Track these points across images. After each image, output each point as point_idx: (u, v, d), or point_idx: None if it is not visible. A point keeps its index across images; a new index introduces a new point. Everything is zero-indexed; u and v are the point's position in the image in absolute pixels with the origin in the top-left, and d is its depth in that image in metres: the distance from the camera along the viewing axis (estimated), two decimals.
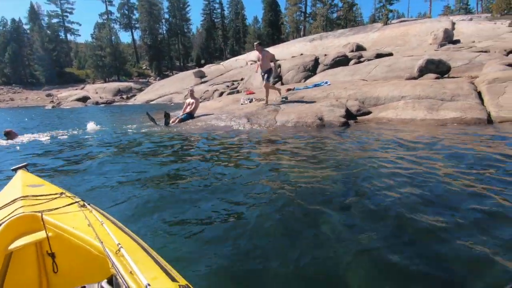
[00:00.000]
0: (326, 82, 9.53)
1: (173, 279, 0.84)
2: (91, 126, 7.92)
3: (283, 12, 50.59)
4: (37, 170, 3.74)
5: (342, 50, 20.65)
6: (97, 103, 28.66)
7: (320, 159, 3.62)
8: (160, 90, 27.15)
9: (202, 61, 50.39)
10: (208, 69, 29.01)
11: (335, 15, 43.90)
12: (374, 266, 1.58)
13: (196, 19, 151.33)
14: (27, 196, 1.36)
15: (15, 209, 1.20)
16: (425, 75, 8.94)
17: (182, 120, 7.79)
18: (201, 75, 26.52)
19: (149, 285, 0.72)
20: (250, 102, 8.71)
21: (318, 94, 8.03)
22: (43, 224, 1.12)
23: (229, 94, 16.16)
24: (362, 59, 16.57)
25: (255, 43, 7.65)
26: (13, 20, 52.14)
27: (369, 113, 6.81)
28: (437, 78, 8.40)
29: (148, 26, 50.72)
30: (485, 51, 12.58)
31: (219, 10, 58.31)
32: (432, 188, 2.51)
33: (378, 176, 2.87)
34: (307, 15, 45.57)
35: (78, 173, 3.54)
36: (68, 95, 32.99)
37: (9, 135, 6.20)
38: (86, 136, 6.63)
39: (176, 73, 38.27)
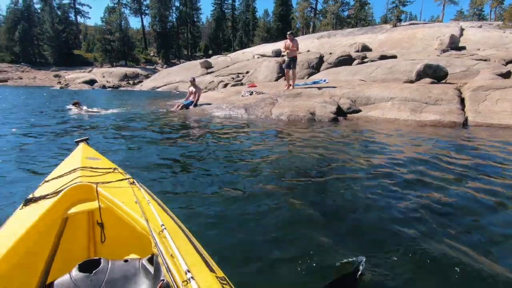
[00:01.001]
0: (324, 80, 10.05)
1: (211, 270, 0.85)
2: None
3: (294, 7, 50.59)
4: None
5: (348, 49, 21.05)
6: (104, 86, 29.27)
7: (303, 147, 4.21)
8: (167, 78, 27.70)
9: (210, 52, 50.74)
10: (215, 60, 29.46)
11: (346, 13, 43.95)
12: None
13: (206, 8, 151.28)
14: (85, 167, 1.45)
15: (74, 178, 1.28)
16: (422, 80, 9.42)
17: (184, 106, 8.40)
18: (208, 66, 26.99)
19: (188, 271, 0.74)
20: (250, 94, 9.27)
21: (314, 91, 8.57)
22: (97, 195, 1.20)
23: (233, 86, 16.70)
24: (365, 60, 16.99)
25: (288, 33, 8.78)
26: None
27: (358, 111, 7.35)
28: (432, 83, 8.88)
29: (158, 13, 50.99)
30: (485, 60, 12.96)
31: (230, 1, 58.43)
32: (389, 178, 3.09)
33: (347, 169, 3.46)
34: (317, 11, 45.57)
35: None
36: (75, 77, 33.64)
37: (77, 104, 7.99)
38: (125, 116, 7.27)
39: (183, 62, 38.75)
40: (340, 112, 7.12)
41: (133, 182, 1.40)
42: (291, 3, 52.18)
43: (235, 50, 42.73)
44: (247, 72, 23.18)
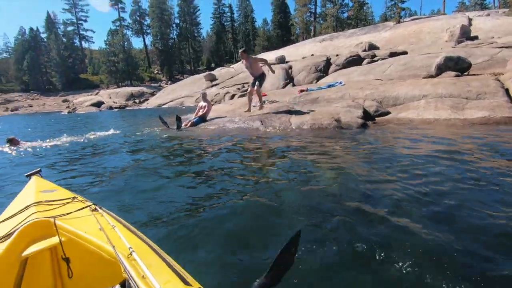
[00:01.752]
0: (340, 82, 9.26)
1: (186, 283, 0.81)
2: (100, 131, 7.94)
3: (293, 14, 50.34)
4: (50, 175, 3.66)
5: (354, 50, 20.28)
6: (111, 107, 29.12)
7: (340, 162, 3.39)
8: (172, 94, 27.36)
9: (212, 65, 50.69)
10: (218, 72, 29.05)
11: (345, 14, 43.32)
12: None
13: (206, 23, 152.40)
14: (40, 201, 1.36)
15: (29, 215, 1.20)
16: (444, 73, 8.56)
17: (194, 123, 7.68)
18: (212, 78, 26.56)
19: None
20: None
21: (332, 95, 7.78)
22: (55, 229, 1.12)
23: (240, 96, 16.05)
24: (375, 58, 16.17)
25: (240, 51, 7.20)
26: (31, 29, 54.01)
27: (387, 113, 6.52)
28: (457, 76, 8.01)
29: (159, 31, 51.45)
30: (508, 47, 11.98)
31: (228, 14, 58.66)
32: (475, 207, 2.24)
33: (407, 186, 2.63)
34: (317, 15, 45.14)
35: (88, 177, 3.44)
36: (83, 101, 33.70)
37: (11, 142, 6.31)
38: (98, 141, 6.60)
39: (187, 77, 38.57)
40: (367, 116, 6.30)
41: (95, 208, 1.35)
42: (289, 10, 52.01)
43: (237, 61, 42.44)
44: None
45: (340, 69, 16.22)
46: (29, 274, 1.12)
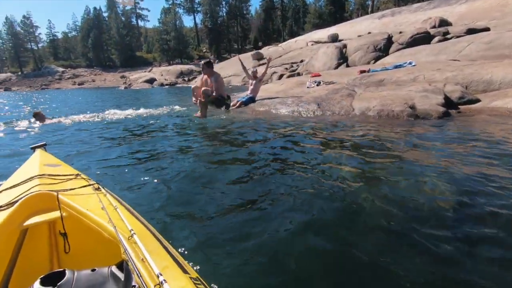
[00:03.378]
0: (409, 63, 7.93)
1: (184, 271, 0.79)
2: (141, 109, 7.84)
3: None
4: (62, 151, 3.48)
5: (421, 26, 17.71)
6: (162, 84, 30.20)
7: (430, 164, 2.60)
8: (219, 72, 27.24)
9: (260, 44, 49.46)
10: (266, 51, 28.08)
11: None
12: None
13: (255, 0, 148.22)
14: (43, 174, 1.35)
15: (32, 187, 1.19)
16: None
17: (243, 103, 7.19)
18: (260, 57, 25.75)
19: (161, 274, 0.69)
20: (317, 85, 7.69)
21: (402, 77, 6.63)
22: (58, 203, 1.12)
23: (289, 77, 15.15)
24: (448, 36, 13.86)
25: (201, 63, 6.23)
26: (94, 9, 57.80)
27: (476, 101, 5.28)
28: None
29: (209, 9, 51.31)
30: None
31: None
32: None
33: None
34: None
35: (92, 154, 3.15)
36: (138, 77, 35.45)
37: (37, 116, 6.29)
38: (142, 119, 6.47)
39: (234, 56, 38.17)
40: (449, 104, 5.16)
41: (99, 188, 1.33)
42: None
43: (284, 40, 40.64)
44: (301, 61, 21.29)
45: (404, 48, 14.27)
46: (27, 245, 1.11)
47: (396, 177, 2.38)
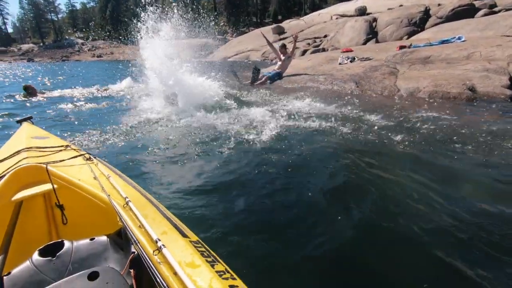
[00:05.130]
0: (458, 38, 6.94)
1: (183, 235, 0.77)
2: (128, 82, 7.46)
3: None
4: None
5: None
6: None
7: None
8: (237, 47, 26.15)
9: (279, 17, 47.03)
10: (287, 24, 26.53)
11: None
12: None
13: None
14: (31, 147, 1.33)
15: (20, 160, 1.18)
16: None
17: (269, 78, 6.57)
18: (280, 31, 24.39)
19: (159, 239, 0.69)
20: (351, 61, 6.91)
21: (453, 54, 5.76)
22: (48, 175, 1.10)
23: (313, 52, 14.12)
24: (496, 9, 12.30)
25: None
26: None
27: None
28: None
29: None
30: None
31: None
32: None
33: None
34: None
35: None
36: None
37: (27, 89, 6.05)
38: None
39: (253, 30, 36.54)
40: None
41: (90, 158, 1.30)
42: None
43: (306, 14, 38.29)
44: (325, 36, 19.91)
45: (443, 22, 12.86)
46: (23, 218, 1.07)
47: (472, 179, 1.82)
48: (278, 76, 6.70)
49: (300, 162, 2.21)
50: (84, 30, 57.75)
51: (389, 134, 2.75)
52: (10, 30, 59.89)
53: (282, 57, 6.58)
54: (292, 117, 3.48)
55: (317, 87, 5.36)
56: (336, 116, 3.44)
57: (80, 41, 52.67)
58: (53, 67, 23.44)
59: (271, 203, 1.69)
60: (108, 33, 54.52)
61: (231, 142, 2.62)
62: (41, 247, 0.76)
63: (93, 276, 0.64)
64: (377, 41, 14.57)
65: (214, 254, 0.73)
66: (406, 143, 2.51)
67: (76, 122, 3.61)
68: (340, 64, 6.93)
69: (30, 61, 42.79)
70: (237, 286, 0.61)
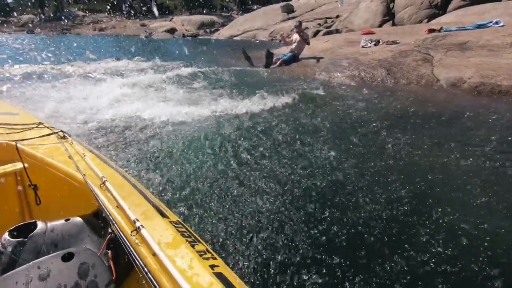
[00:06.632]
0: (496, 22, 6.20)
1: (163, 215, 0.74)
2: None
3: None
4: None
5: None
6: (183, 35, 28.25)
7: None
8: (244, 25, 24.89)
9: None
10: (296, 3, 25.12)
11: None
12: None
13: None
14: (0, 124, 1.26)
15: None
16: None
17: (285, 61, 5.93)
18: (289, 10, 23.09)
19: (137, 220, 0.66)
20: (375, 45, 6.22)
21: (494, 40, 5.08)
22: (18, 153, 1.05)
23: (326, 34, 13.21)
24: None
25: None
26: None
27: None
28: None
29: None
30: None
31: None
32: None
33: None
34: None
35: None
36: (158, 26, 33.27)
37: None
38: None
39: (259, 7, 34.83)
40: None
41: (64, 136, 1.24)
42: None
43: None
44: (337, 17, 18.77)
45: (467, 5, 11.88)
46: None
47: None
48: (294, 59, 6.05)
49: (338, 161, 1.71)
50: (86, 1, 55.53)
51: (441, 141, 2.22)
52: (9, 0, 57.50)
53: (296, 38, 5.91)
54: (306, 107, 2.94)
55: (340, 72, 4.75)
56: (371, 109, 2.90)
57: (81, 13, 50.66)
58: (52, 40, 22.38)
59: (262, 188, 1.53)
60: (110, 7, 52.40)
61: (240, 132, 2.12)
62: (11, 228, 0.72)
63: (67, 257, 0.62)
64: (393, 24, 13.62)
65: (195, 234, 0.70)
66: (468, 154, 1.99)
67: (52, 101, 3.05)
68: (363, 47, 6.25)
69: (30, 33, 41.29)
70: (218, 266, 0.59)
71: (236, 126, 2.46)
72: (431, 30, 6.53)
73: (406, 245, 1.24)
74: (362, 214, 1.41)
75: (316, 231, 1.32)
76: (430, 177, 1.68)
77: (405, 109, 2.93)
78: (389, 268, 1.15)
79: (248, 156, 1.93)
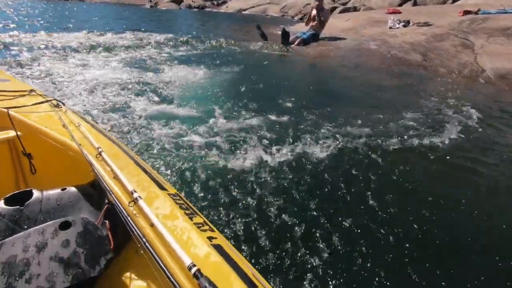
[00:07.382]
0: None
1: (161, 187, 0.72)
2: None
3: None
4: None
5: None
6: (189, 6, 26.86)
7: None
8: None
9: None
10: None
11: None
12: None
13: None
14: None
15: None
16: None
17: (304, 41, 5.36)
18: None
19: (134, 191, 0.64)
20: (404, 26, 5.61)
21: None
22: (10, 121, 1.00)
23: (342, 11, 12.29)
24: None
25: None
26: None
27: None
28: None
29: None
30: None
31: None
32: None
33: None
34: None
35: None
36: None
37: None
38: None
39: None
40: None
41: (58, 104, 1.16)
42: None
43: None
44: None
45: None
46: None
47: None
48: (313, 38, 5.48)
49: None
50: None
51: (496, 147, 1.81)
52: None
53: (315, 14, 5.30)
54: (332, 98, 2.51)
55: (366, 56, 4.24)
56: (409, 104, 2.47)
57: None
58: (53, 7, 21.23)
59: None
60: None
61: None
62: (7, 196, 0.69)
63: (65, 226, 0.61)
64: (415, 4, 12.62)
65: (193, 207, 0.69)
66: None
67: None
68: (390, 28, 5.64)
69: None
70: (216, 238, 0.58)
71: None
72: (466, 12, 5.86)
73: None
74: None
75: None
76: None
77: (447, 107, 2.49)
78: (391, 266, 1.07)
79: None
